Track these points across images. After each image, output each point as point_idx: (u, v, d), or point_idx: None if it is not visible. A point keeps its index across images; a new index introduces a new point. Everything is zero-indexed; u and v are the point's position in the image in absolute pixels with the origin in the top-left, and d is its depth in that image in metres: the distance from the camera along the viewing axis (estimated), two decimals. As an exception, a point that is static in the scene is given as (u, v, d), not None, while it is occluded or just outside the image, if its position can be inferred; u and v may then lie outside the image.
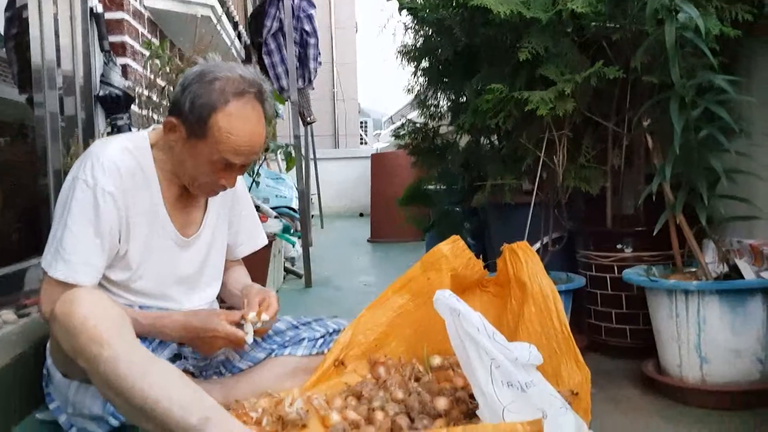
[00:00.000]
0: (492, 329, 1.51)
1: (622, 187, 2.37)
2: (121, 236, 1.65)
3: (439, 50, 2.65)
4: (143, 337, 1.60)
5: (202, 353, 1.68)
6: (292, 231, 4.08)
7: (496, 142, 2.79)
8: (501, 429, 1.39)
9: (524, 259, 2.00)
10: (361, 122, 16.45)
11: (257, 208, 3.58)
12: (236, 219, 1.99)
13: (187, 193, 1.77)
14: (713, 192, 1.83)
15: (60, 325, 1.37)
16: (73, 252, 1.57)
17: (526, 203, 2.40)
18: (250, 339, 1.69)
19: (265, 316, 1.75)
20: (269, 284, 3.48)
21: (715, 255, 1.94)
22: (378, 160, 6.96)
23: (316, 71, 5.11)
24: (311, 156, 6.96)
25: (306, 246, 3.90)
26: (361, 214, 10.46)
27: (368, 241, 6.66)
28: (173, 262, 1.78)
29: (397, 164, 6.33)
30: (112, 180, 1.60)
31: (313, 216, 7.06)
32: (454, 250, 2.09)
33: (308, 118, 5.49)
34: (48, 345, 1.67)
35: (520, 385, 1.46)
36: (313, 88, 5.41)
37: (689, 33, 1.69)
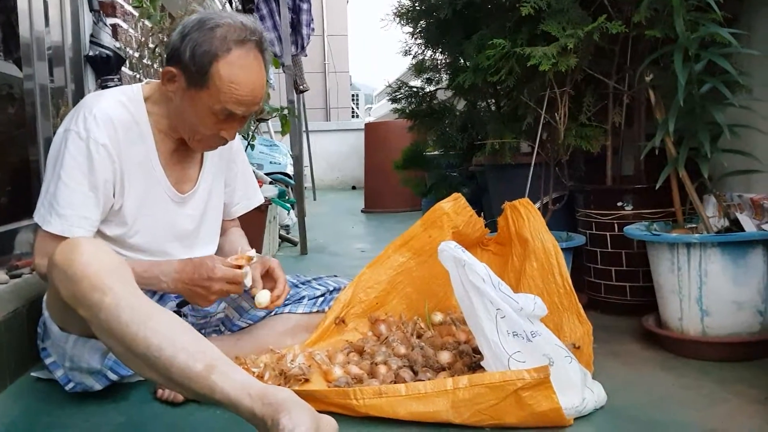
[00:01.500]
0: (497, 279, 1.50)
1: (622, 146, 2.36)
2: (116, 190, 1.62)
3: (438, 10, 2.61)
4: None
5: (199, 304, 1.65)
6: (287, 197, 4.06)
7: (494, 105, 2.77)
8: (508, 376, 1.40)
9: (526, 215, 1.99)
10: (353, 95, 16.36)
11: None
12: (232, 177, 1.96)
13: (183, 149, 1.74)
14: (716, 146, 1.82)
15: (60, 272, 1.35)
16: (68, 206, 1.54)
17: (526, 163, 2.38)
18: (248, 282, 1.65)
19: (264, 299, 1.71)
20: (265, 251, 3.46)
21: (716, 209, 1.94)
22: (372, 129, 6.92)
23: (309, 37, 5.04)
24: (303, 128, 6.90)
25: (301, 212, 3.88)
26: (354, 187, 10.44)
27: (362, 211, 6.64)
28: (170, 217, 1.75)
29: (391, 134, 6.30)
30: (105, 132, 1.57)
31: (306, 188, 7.04)
32: (455, 207, 2.07)
33: (301, 86, 5.43)
34: (45, 298, 1.66)
35: (526, 334, 1.46)
36: (306, 55, 5.34)
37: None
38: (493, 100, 2.64)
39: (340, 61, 14.22)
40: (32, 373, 1.78)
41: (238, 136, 1.85)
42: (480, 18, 2.54)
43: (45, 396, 1.67)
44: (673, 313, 1.88)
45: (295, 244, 4.13)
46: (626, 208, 2.17)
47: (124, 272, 1.36)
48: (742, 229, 1.84)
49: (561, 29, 2.03)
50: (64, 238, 1.51)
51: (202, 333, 1.80)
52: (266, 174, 3.67)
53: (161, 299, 1.76)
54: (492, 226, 2.17)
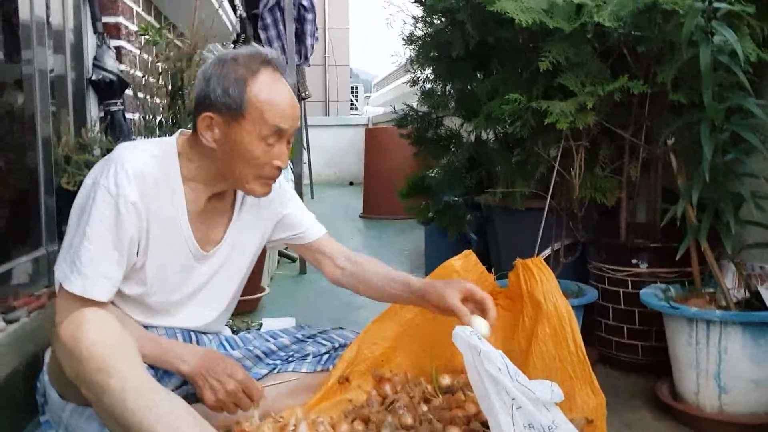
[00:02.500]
0: (515, 369, 1.45)
1: (637, 196, 2.30)
2: (140, 248, 1.56)
3: (451, 44, 2.54)
4: (154, 364, 1.54)
5: (204, 398, 1.57)
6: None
7: (505, 146, 2.71)
8: (523, 477, 1.35)
9: (539, 276, 1.93)
10: (352, 87, 16.25)
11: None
12: (294, 212, 1.87)
13: (211, 206, 1.68)
14: (738, 218, 1.76)
15: (65, 348, 1.30)
16: (90, 264, 1.47)
17: (536, 208, 2.33)
18: None
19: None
20: (265, 271, 3.41)
21: (735, 278, 1.89)
22: (372, 134, 6.86)
23: (312, 48, 4.96)
24: (303, 128, 6.83)
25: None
26: (351, 183, 10.40)
27: (360, 216, 6.59)
28: (187, 274, 1.68)
29: (391, 139, 6.22)
30: (136, 189, 1.50)
31: (304, 185, 6.97)
32: (465, 265, 2.02)
33: (303, 94, 5.35)
34: (47, 361, 1.59)
35: (543, 428, 1.41)
36: (309, 65, 5.26)
37: (724, 57, 1.60)
38: (502, 134, 2.57)
39: (341, 55, 14.08)
40: (27, 439, 1.73)
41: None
42: (492, 55, 2.47)
43: (40, 467, 1.61)
44: (689, 386, 1.83)
45: (294, 260, 4.07)
46: (641, 266, 2.12)
47: (131, 352, 1.32)
48: (762, 302, 1.79)
49: (579, 84, 1.96)
50: (86, 298, 1.46)
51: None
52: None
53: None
54: (498, 267, 2.13)
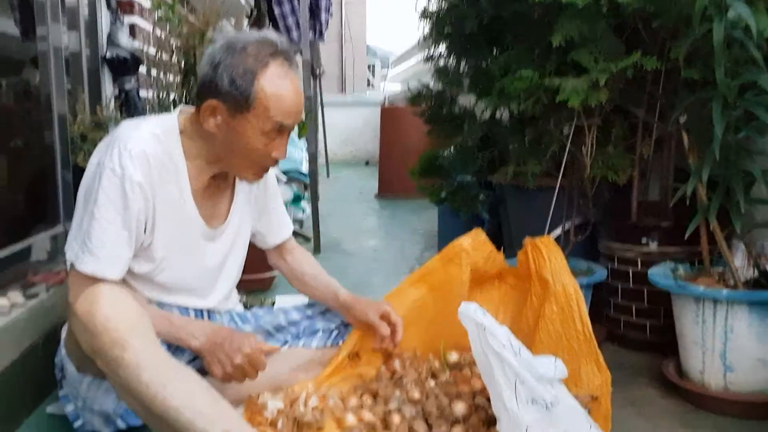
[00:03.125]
0: (518, 345, 1.46)
1: (649, 174, 2.29)
2: (147, 227, 1.58)
3: (465, 19, 2.52)
4: (166, 340, 1.57)
5: (214, 371, 1.60)
6: (303, 197, 4.02)
7: (516, 116, 2.70)
8: (525, 450, 1.37)
9: (547, 255, 1.94)
10: (369, 65, 16.17)
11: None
12: (267, 206, 1.90)
13: (215, 184, 1.70)
14: (749, 196, 1.75)
15: (80, 323, 1.33)
16: (101, 245, 1.50)
17: (547, 187, 2.32)
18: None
19: None
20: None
21: (744, 258, 1.88)
22: (388, 113, 6.83)
23: (327, 23, 4.93)
24: (318, 107, 6.82)
25: (315, 212, 3.84)
26: (367, 163, 10.38)
27: (376, 196, 6.60)
28: (198, 253, 1.71)
29: (407, 118, 6.21)
30: (140, 169, 1.52)
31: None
32: (474, 243, 2.03)
33: (317, 70, 5.34)
34: (64, 336, 1.63)
35: (545, 402, 1.42)
36: (324, 41, 5.24)
37: (738, 32, 1.58)
38: (518, 120, 2.56)
39: (358, 30, 14.01)
40: (47, 409, 1.77)
41: None
42: (505, 30, 2.45)
43: (58, 436, 1.66)
44: (694, 364, 1.84)
45: (308, 239, 4.09)
46: (651, 245, 2.11)
47: (145, 326, 1.34)
48: (771, 282, 1.79)
49: (593, 60, 1.95)
50: (98, 277, 1.48)
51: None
52: (282, 172, 3.62)
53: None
54: (510, 246, 2.14)
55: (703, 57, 1.76)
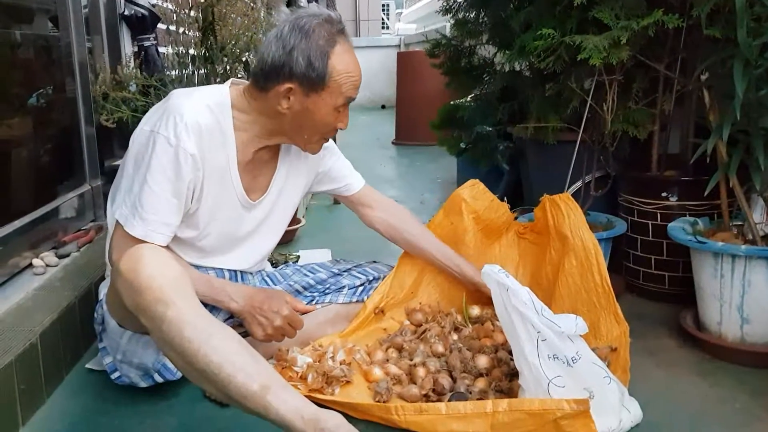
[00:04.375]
0: (540, 304, 1.51)
1: (670, 127, 2.29)
2: (194, 196, 1.65)
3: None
4: (205, 301, 1.62)
5: (254, 333, 1.70)
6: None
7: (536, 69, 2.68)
8: (548, 405, 1.43)
9: (566, 211, 1.97)
10: (383, 5, 15.88)
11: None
12: (327, 167, 1.99)
13: (258, 157, 1.76)
14: (768, 153, 1.76)
15: (124, 281, 1.38)
16: (152, 211, 1.56)
17: (569, 141, 2.34)
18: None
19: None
20: (300, 202, 3.48)
21: (763, 212, 1.90)
22: (404, 59, 6.75)
23: (342, -30, 4.85)
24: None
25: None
26: (383, 106, 10.33)
27: (393, 143, 6.60)
28: (237, 222, 1.79)
29: (424, 64, 6.14)
30: (195, 141, 1.58)
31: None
32: (473, 193, 2.13)
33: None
34: (105, 293, 1.70)
35: (567, 359, 1.48)
36: (340, -11, 5.16)
37: (762, -10, 1.57)
38: (538, 74, 2.55)
39: (371, -30, 13.72)
40: (86, 365, 1.86)
41: None
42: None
43: (100, 391, 1.74)
44: (712, 316, 1.88)
45: (327, 190, 4.13)
46: (671, 199, 2.13)
47: (187, 286, 1.40)
48: (789, 236, 1.81)
49: (614, 17, 1.93)
50: (145, 241, 1.55)
51: (248, 324, 1.89)
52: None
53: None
54: (530, 198, 2.19)
55: (725, 15, 1.74)
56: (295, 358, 1.79)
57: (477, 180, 2.17)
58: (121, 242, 1.58)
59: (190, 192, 1.61)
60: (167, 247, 1.60)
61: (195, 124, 1.58)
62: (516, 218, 2.21)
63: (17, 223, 2.07)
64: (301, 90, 1.61)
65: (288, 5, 4.29)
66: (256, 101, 1.66)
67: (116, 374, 1.70)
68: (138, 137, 1.62)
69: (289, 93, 1.61)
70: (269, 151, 1.78)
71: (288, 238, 3.13)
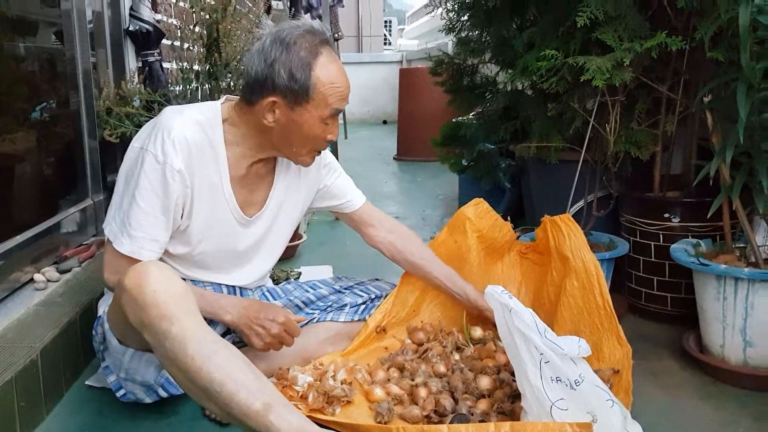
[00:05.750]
0: (543, 326, 1.51)
1: (672, 148, 2.29)
2: (184, 212, 1.65)
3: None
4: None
5: (253, 343, 1.70)
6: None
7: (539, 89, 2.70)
8: (550, 428, 1.42)
9: (567, 232, 1.98)
10: (386, 21, 15.97)
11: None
12: (328, 183, 1.97)
13: (253, 171, 1.76)
14: (773, 176, 1.76)
15: (129, 297, 1.38)
16: (140, 228, 1.58)
17: (571, 160, 2.34)
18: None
19: None
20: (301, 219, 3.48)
21: (766, 235, 1.90)
22: (406, 75, 6.78)
23: (346, -13, 4.89)
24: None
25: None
26: (385, 122, 10.36)
27: (394, 158, 6.61)
28: (233, 238, 1.78)
29: (425, 80, 6.14)
30: (182, 157, 1.58)
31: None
32: (477, 212, 2.13)
33: (336, 35, 5.31)
34: (107, 310, 1.68)
35: (570, 382, 1.47)
36: (343, 6, 5.20)
37: (764, 17, 1.58)
38: (541, 93, 2.56)
39: (374, -13, 13.81)
40: (86, 382, 1.85)
41: None
42: (530, 3, 2.44)
43: (99, 408, 1.74)
44: (714, 338, 1.88)
45: (329, 206, 4.12)
46: (673, 220, 2.13)
47: (190, 302, 1.40)
48: (792, 259, 1.81)
49: (617, 38, 1.94)
50: (134, 258, 1.56)
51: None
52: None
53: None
54: (532, 217, 2.19)
55: (728, 38, 1.75)
56: (296, 377, 1.78)
57: (481, 198, 2.17)
58: (111, 259, 1.60)
59: (179, 208, 1.62)
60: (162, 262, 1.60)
61: (182, 141, 1.58)
62: (518, 238, 2.21)
63: (19, 238, 2.07)
64: (286, 103, 1.60)
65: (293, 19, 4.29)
66: (245, 115, 1.66)
67: (122, 392, 1.69)
68: (129, 154, 1.64)
69: (273, 106, 1.61)
70: (265, 166, 1.78)
71: (289, 254, 3.13)
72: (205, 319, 1.67)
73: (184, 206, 1.63)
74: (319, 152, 1.76)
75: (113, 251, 1.59)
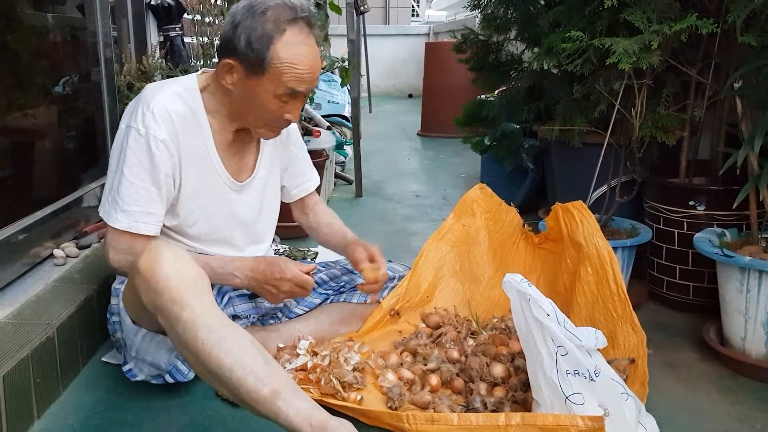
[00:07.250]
0: (563, 317, 1.48)
1: (700, 134, 2.23)
2: (175, 182, 1.65)
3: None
4: (212, 283, 1.62)
5: (268, 300, 1.72)
6: (345, 142, 4.01)
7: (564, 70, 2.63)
8: (561, 420, 1.40)
9: (579, 219, 1.95)
10: (413, -8, 15.73)
11: (309, 119, 3.52)
12: (292, 160, 1.97)
13: (240, 138, 1.76)
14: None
15: (142, 280, 1.40)
16: (133, 202, 1.58)
17: (595, 143, 2.28)
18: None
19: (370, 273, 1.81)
20: (322, 195, 3.47)
21: (794, 225, 1.84)
22: (432, 49, 6.69)
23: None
24: (362, 46, 6.70)
25: (357, 157, 3.84)
26: (410, 95, 10.28)
27: (418, 134, 6.55)
28: (229, 206, 1.78)
29: (452, 55, 6.06)
30: (164, 127, 1.59)
31: (362, 97, 6.88)
32: (482, 196, 2.16)
33: (362, 8, 5.24)
34: (122, 290, 1.69)
35: (589, 374, 1.44)
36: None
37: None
38: (566, 74, 2.50)
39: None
40: (102, 359, 1.87)
41: None
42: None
43: (114, 385, 1.75)
44: (736, 331, 1.84)
45: (350, 182, 4.11)
46: (698, 208, 2.08)
47: (203, 286, 1.41)
48: (820, 252, 1.75)
49: (645, 20, 1.88)
50: (133, 233, 1.58)
51: (261, 321, 1.88)
52: (324, 116, 3.60)
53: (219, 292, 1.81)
54: (554, 199, 2.19)
55: (762, 22, 1.68)
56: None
57: (483, 184, 2.20)
58: (111, 238, 1.61)
59: (169, 179, 1.62)
60: (164, 237, 1.63)
61: (163, 112, 1.59)
62: (530, 229, 2.19)
63: (39, 213, 2.08)
64: (243, 69, 1.58)
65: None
66: (217, 80, 1.65)
67: (128, 366, 1.71)
68: (117, 135, 1.64)
69: (231, 69, 1.59)
70: (248, 133, 1.77)
71: (302, 233, 3.12)
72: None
73: (174, 177, 1.64)
74: (280, 131, 1.74)
75: (113, 231, 1.60)
